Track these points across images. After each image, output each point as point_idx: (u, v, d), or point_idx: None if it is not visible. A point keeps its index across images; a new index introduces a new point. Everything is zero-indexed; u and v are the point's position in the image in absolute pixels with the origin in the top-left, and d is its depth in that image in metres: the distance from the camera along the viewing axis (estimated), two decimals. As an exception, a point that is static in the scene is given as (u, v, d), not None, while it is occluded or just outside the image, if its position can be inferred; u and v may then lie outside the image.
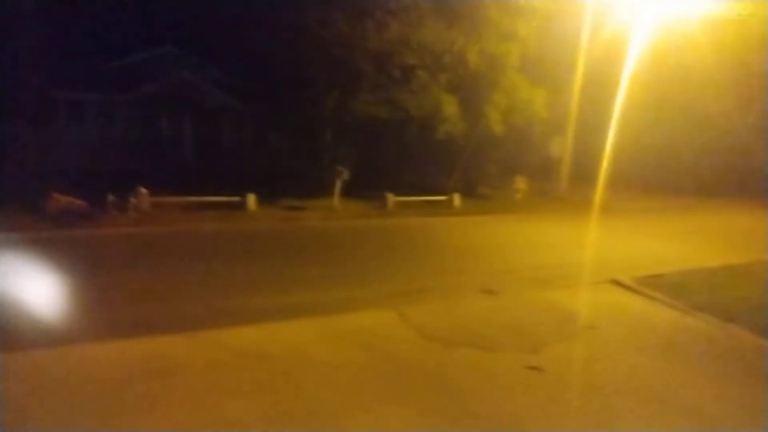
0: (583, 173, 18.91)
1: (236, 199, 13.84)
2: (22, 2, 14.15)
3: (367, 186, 16.28)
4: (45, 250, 8.89)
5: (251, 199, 13.99)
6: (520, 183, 19.69)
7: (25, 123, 14.60)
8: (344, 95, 17.30)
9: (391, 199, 15.85)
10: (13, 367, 4.65)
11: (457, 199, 17.16)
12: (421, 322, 6.23)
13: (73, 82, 20.90)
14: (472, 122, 18.26)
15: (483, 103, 18.25)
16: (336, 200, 15.38)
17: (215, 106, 23.01)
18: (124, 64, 23.60)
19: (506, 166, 20.86)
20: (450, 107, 17.68)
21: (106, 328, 5.57)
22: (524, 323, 6.49)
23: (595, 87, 18.79)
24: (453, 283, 8.39)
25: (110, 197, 12.20)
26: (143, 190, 12.61)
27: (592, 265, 9.73)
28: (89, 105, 21.88)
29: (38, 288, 6.76)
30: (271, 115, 20.52)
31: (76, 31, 18.47)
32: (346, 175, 15.52)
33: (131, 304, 6.56)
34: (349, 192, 15.85)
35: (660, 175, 24.20)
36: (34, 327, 5.56)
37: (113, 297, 6.73)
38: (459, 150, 19.16)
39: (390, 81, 17.51)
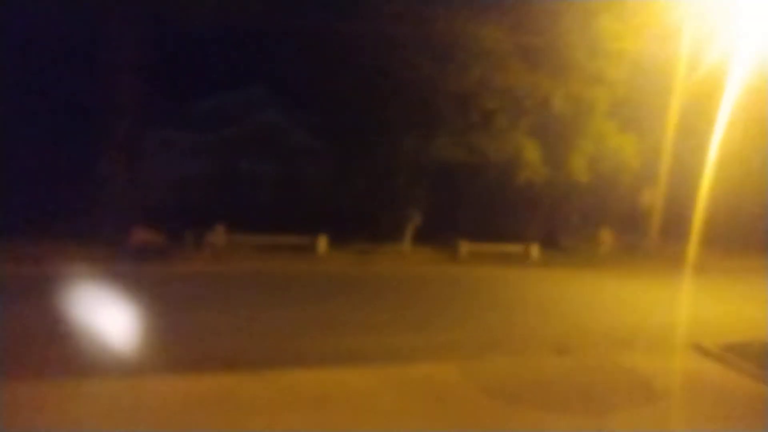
0: (674, 226, 18.34)
1: (307, 240, 14.64)
2: (119, 47, 15.84)
3: (440, 231, 16.63)
4: (119, 283, 9.84)
5: (322, 242, 14.76)
6: (606, 235, 19.36)
7: (117, 160, 16.17)
8: (421, 137, 17.87)
9: (464, 246, 16.11)
10: (87, 392, 5.39)
11: (535, 249, 17.17)
12: (484, 378, 6.45)
13: (163, 121, 22.94)
14: (554, 169, 18.27)
15: (567, 149, 18.27)
16: (407, 245, 15.85)
17: (296, 146, 24.47)
18: (213, 105, 25.75)
19: (591, 217, 20.59)
20: (531, 153, 17.77)
21: (172, 363, 6.20)
22: (594, 386, 6.55)
23: (690, 133, 18.33)
24: (523, 339, 8.51)
25: (187, 234, 13.30)
26: (220, 228, 13.64)
27: (677, 329, 9.50)
28: (177, 144, 23.99)
29: (107, 321, 7.49)
30: (350, 155, 21.45)
31: (168, 71, 20.28)
32: (418, 219, 15.99)
33: (198, 341, 7.22)
34: (421, 237, 16.28)
35: (762, 231, 22.93)
36: (108, 357, 6.28)
37: (180, 334, 7.44)
38: (539, 198, 19.20)
39: (468, 124, 17.85)
